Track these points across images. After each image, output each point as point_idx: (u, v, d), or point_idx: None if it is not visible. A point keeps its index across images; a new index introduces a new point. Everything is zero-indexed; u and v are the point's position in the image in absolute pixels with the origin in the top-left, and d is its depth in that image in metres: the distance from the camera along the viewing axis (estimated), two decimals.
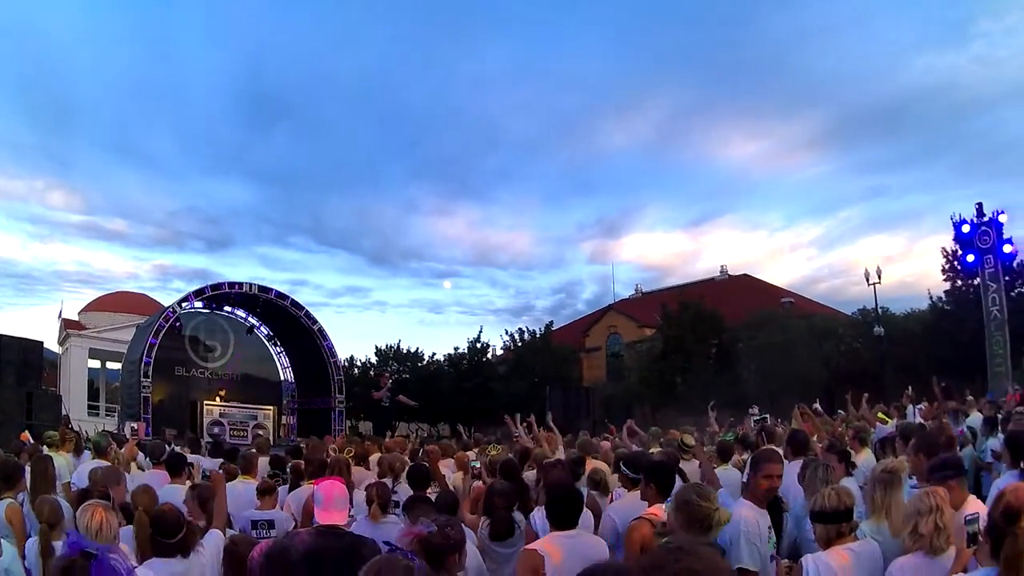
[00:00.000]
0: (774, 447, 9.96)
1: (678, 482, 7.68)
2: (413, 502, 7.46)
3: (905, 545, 5.60)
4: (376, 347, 69.93)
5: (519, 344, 65.98)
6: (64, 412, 27.98)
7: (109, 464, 11.16)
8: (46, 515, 7.41)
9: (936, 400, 17.48)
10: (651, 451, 12.89)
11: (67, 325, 62.57)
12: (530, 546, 6.43)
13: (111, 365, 61.51)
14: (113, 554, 3.39)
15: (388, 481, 11.10)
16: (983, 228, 31.46)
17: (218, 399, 37.53)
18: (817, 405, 17.79)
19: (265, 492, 10.09)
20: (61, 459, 11.97)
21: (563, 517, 6.59)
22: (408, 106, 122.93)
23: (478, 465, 11.83)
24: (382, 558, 3.65)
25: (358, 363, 68.08)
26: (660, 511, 6.82)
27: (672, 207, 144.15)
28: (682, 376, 53.46)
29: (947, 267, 48.71)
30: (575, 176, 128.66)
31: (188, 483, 10.73)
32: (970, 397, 17.58)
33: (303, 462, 12.26)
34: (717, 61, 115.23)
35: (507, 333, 69.06)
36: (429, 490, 9.56)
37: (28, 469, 9.77)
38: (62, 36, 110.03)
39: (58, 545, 6.83)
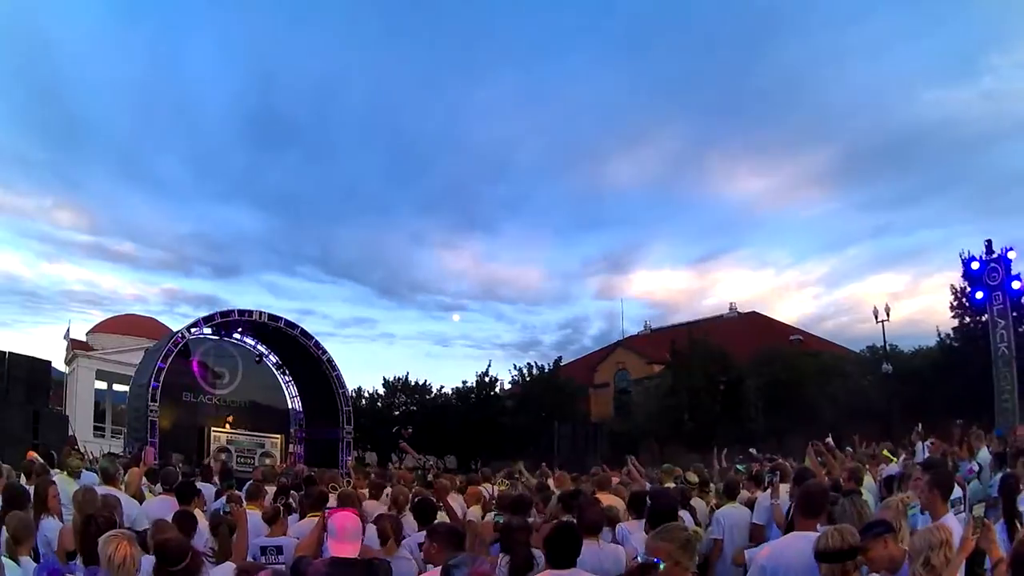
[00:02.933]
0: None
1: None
2: (441, 533, 7.32)
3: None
4: (384, 379, 69.50)
5: (527, 379, 65.62)
6: (71, 433, 27.96)
7: (115, 490, 11.12)
8: (12, 529, 7.38)
9: (951, 439, 17.50)
10: (666, 486, 12.92)
11: (74, 345, 62.36)
12: None
13: (118, 387, 61.57)
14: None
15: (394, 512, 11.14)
16: (992, 265, 31.39)
17: (227, 426, 37.54)
18: (829, 440, 17.65)
19: (274, 518, 10.06)
20: (64, 481, 11.92)
21: (561, 556, 6.62)
22: (417, 134, 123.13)
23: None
24: None
25: (366, 394, 67.80)
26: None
27: (679, 243, 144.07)
28: (690, 413, 53.41)
29: (955, 304, 48.72)
30: (582, 210, 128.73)
31: (197, 511, 10.78)
32: (979, 432, 17.52)
33: (303, 496, 12.17)
34: (726, 93, 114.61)
35: (515, 368, 68.45)
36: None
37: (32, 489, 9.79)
38: (75, 51, 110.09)
39: (26, 562, 6.81)
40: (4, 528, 7.64)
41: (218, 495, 12.85)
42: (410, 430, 41.26)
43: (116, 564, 5.58)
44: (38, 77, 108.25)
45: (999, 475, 12.69)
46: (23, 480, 11.87)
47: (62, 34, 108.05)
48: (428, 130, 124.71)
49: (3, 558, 6.19)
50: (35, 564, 7.44)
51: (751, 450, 25.15)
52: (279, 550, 9.12)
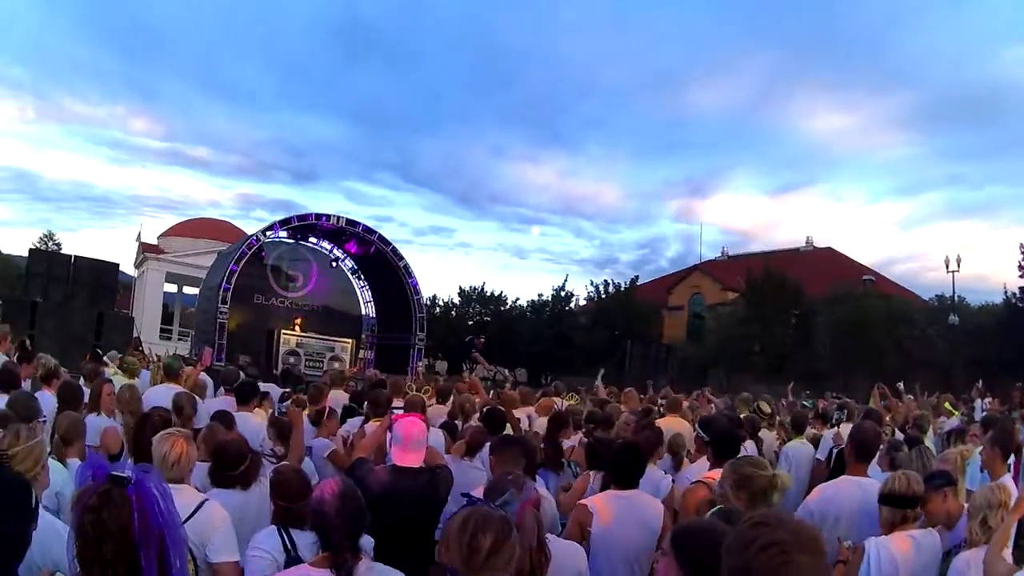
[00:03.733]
0: None
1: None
2: (504, 445, 6.99)
3: (973, 538, 5.50)
4: (460, 288, 70.24)
5: (602, 296, 65.72)
6: (135, 334, 28.21)
7: (181, 388, 11.16)
8: (62, 430, 7.36)
9: (1011, 401, 17.31)
10: (741, 415, 12.90)
11: (145, 248, 63.15)
12: (582, 501, 6.42)
13: (188, 290, 62.23)
14: (147, 472, 3.21)
15: (459, 423, 11.14)
16: None
17: (296, 328, 37.83)
18: (901, 384, 17.47)
19: (317, 420, 10.26)
20: (123, 381, 11.96)
21: (624, 476, 6.55)
22: (503, 47, 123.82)
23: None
24: (477, 512, 3.54)
25: (440, 303, 68.47)
26: (718, 475, 6.76)
27: (759, 172, 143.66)
28: (760, 344, 53.51)
29: (1023, 263, 48.15)
30: (664, 132, 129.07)
31: (257, 411, 10.83)
32: None
33: (368, 399, 12.12)
34: (811, 31, 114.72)
35: (591, 284, 69.14)
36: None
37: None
38: None
39: (73, 463, 6.81)
40: (55, 429, 7.68)
41: (283, 398, 12.87)
42: (483, 339, 40.97)
43: (171, 461, 5.49)
44: None
45: None
46: (82, 381, 11.91)
47: None
48: (514, 43, 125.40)
49: (51, 459, 6.16)
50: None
51: (828, 393, 24.93)
52: (309, 451, 9.18)
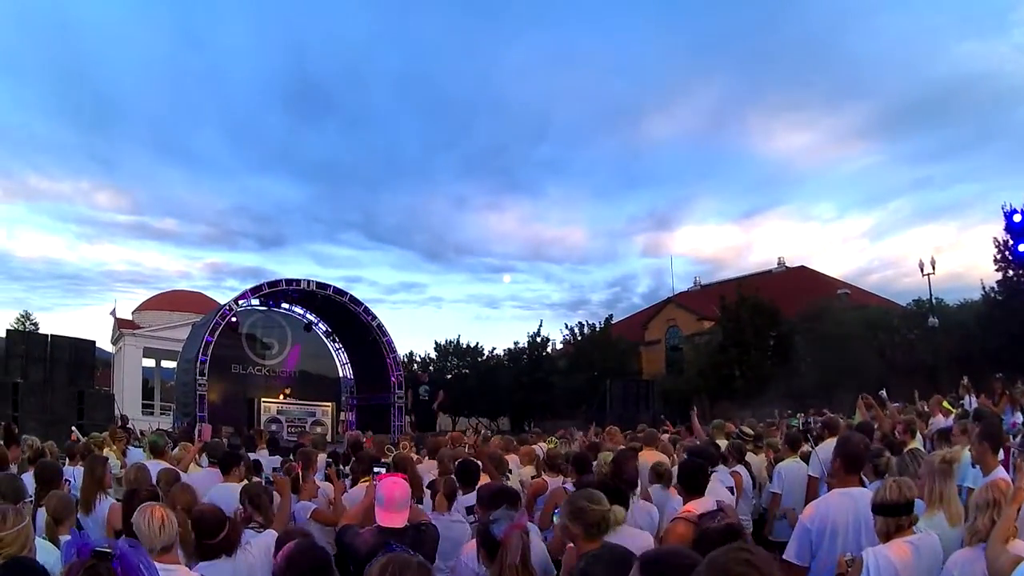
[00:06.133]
0: None
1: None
2: (492, 497, 7.15)
3: (966, 538, 5.52)
4: (436, 342, 70.67)
5: (578, 338, 65.82)
6: (119, 412, 28.16)
7: (166, 465, 11.12)
8: (52, 509, 7.31)
9: (993, 393, 17.32)
10: (718, 442, 12.90)
11: (121, 324, 62.96)
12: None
13: (166, 364, 62.10)
14: (133, 547, 3.23)
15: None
16: None
17: (282, 397, 37.94)
18: (883, 392, 17.51)
19: (295, 486, 10.00)
20: (112, 459, 11.94)
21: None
22: (453, 97, 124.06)
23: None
24: (395, 559, 3.54)
25: (417, 359, 68.72)
26: (694, 507, 6.92)
27: (723, 199, 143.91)
28: (740, 369, 53.43)
29: (999, 257, 48.49)
30: (624, 168, 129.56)
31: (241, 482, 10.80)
32: (1022, 386, 17.33)
33: (353, 462, 12.13)
34: (760, 49, 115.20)
35: (567, 327, 68.92)
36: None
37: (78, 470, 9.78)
38: (101, 30, 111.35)
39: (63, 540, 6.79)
40: (44, 508, 7.61)
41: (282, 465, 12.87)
42: (442, 394, 40.95)
43: (156, 529, 5.46)
44: (65, 61, 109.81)
45: None
46: (67, 462, 11.88)
47: (86, 15, 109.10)
48: (464, 93, 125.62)
49: (41, 539, 6.11)
50: None
51: (810, 411, 25.03)
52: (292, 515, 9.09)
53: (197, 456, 13.44)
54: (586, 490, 6.27)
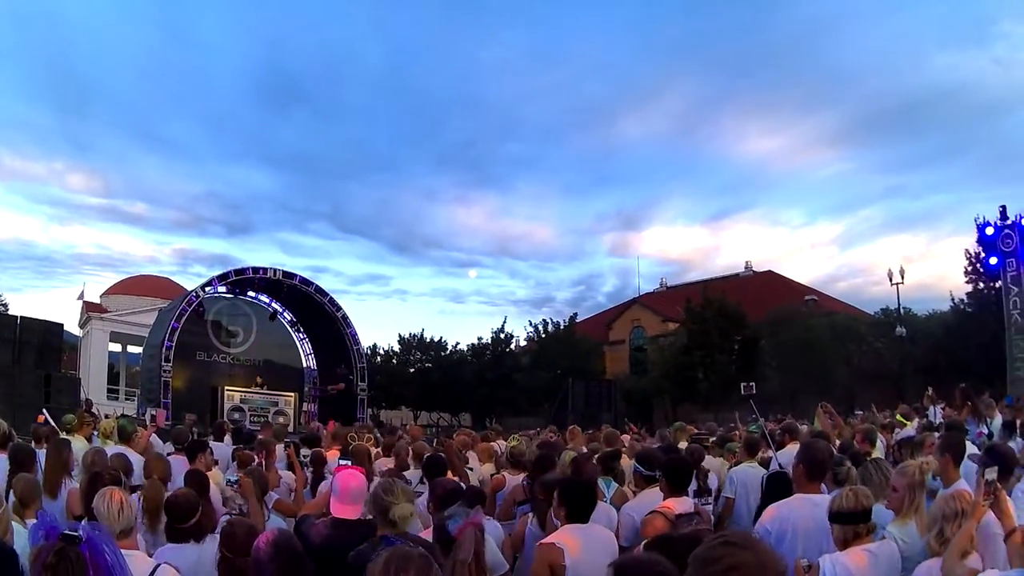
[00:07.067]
0: None
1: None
2: (447, 495, 7.17)
3: (931, 549, 5.57)
4: (400, 335, 70.42)
5: (542, 336, 66.08)
6: (84, 396, 28.00)
7: (122, 449, 11.11)
8: (19, 492, 7.32)
9: (954, 402, 17.40)
10: (679, 445, 12.91)
11: (89, 308, 62.37)
12: (547, 539, 6.42)
13: (132, 349, 61.78)
14: (98, 531, 3.26)
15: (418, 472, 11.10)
16: (1006, 231, 31.12)
17: (255, 386, 37.70)
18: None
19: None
20: (79, 443, 11.90)
21: (579, 510, 6.57)
22: (428, 92, 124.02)
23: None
24: (395, 550, 3.57)
25: (381, 351, 68.39)
26: (674, 505, 6.89)
27: (692, 201, 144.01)
28: (704, 372, 53.31)
29: (970, 269, 48.63)
30: (594, 167, 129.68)
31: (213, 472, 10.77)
32: (989, 400, 17.41)
33: (311, 458, 12.28)
34: (735, 52, 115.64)
35: (531, 324, 69.31)
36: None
37: (43, 453, 9.75)
38: (81, 17, 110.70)
39: (30, 524, 6.78)
40: (12, 491, 7.60)
41: (234, 455, 12.82)
42: (342, 385, 40.79)
43: (115, 513, 5.50)
44: (46, 45, 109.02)
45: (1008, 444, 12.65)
46: (33, 444, 11.82)
47: (69, 1, 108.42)
48: (438, 89, 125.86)
49: (14, 522, 6.12)
50: None
51: (771, 416, 25.08)
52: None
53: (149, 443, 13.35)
54: (387, 480, 6.55)
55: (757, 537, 2.86)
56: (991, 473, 5.67)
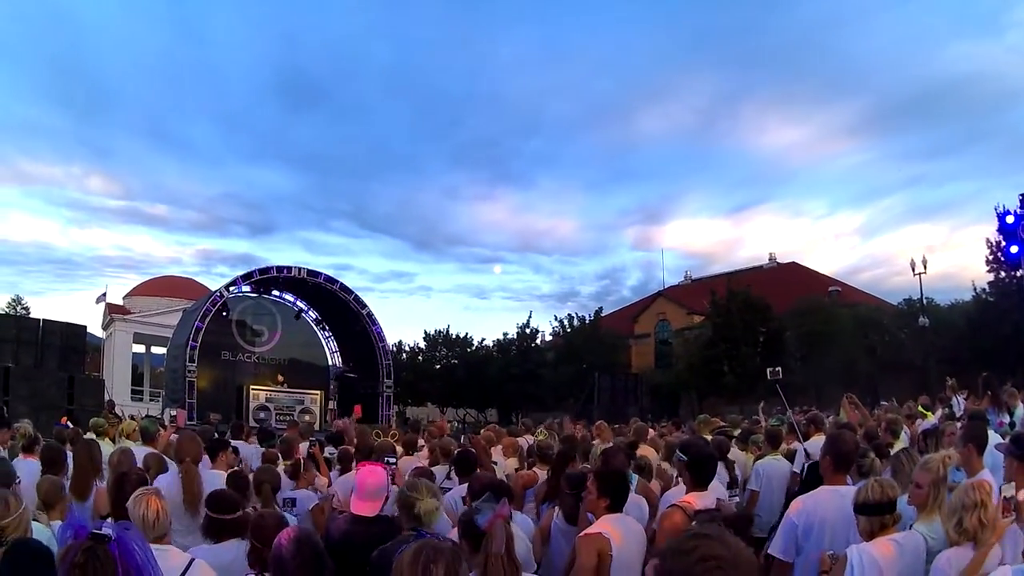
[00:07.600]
0: None
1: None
2: (483, 489, 7.15)
3: (951, 538, 5.49)
4: (425, 332, 70.31)
5: (568, 330, 65.78)
6: (108, 398, 28.07)
7: (151, 449, 11.15)
8: (43, 493, 7.31)
9: (975, 391, 17.29)
10: (705, 437, 12.87)
11: (111, 310, 62.57)
12: (591, 529, 6.40)
13: (156, 350, 61.95)
14: (128, 530, 3.29)
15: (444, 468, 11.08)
16: None
17: (278, 384, 37.87)
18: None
19: (295, 472, 10.22)
20: (105, 445, 11.93)
21: (618, 501, 6.64)
22: (445, 90, 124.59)
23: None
24: (425, 542, 3.57)
25: (406, 348, 68.27)
26: (694, 500, 6.86)
27: (714, 193, 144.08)
28: (729, 364, 53.09)
29: (991, 258, 48.35)
30: (615, 161, 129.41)
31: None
32: (1012, 389, 17.29)
33: (351, 448, 12.26)
34: (753, 44, 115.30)
35: (556, 319, 68.85)
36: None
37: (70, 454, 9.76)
38: (96, 20, 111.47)
39: (56, 526, 6.79)
40: (36, 492, 7.61)
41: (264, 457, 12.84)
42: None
43: (151, 521, 5.52)
44: (59, 49, 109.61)
45: None
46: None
47: (81, 4, 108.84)
48: (455, 86, 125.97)
49: (34, 523, 6.14)
50: None
51: (797, 408, 25.01)
52: (294, 503, 9.21)
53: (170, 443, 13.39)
54: (413, 480, 6.72)
55: (732, 535, 2.85)
56: (1008, 490, 5.61)
